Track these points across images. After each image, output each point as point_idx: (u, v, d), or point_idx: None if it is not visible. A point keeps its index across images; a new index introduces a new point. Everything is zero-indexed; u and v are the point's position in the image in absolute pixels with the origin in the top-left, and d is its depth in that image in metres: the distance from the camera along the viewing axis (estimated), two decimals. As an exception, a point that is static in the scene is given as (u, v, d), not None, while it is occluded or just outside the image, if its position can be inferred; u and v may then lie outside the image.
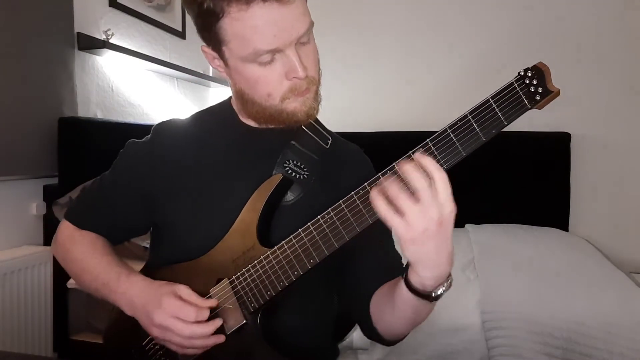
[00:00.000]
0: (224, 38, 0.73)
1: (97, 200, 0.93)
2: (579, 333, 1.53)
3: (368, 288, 0.83)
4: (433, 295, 0.66)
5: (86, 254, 0.88)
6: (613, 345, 1.49)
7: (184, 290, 0.76)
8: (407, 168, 0.60)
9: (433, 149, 0.66)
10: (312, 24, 0.74)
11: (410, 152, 0.67)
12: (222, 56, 0.78)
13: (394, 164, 0.67)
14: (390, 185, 0.60)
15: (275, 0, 0.68)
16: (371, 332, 0.84)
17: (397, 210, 0.60)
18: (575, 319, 1.55)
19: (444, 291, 0.66)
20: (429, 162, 0.60)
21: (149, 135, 0.91)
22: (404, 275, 0.68)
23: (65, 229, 0.93)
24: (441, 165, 0.66)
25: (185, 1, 0.74)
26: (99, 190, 0.93)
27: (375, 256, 0.86)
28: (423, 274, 0.64)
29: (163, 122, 0.92)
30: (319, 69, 0.80)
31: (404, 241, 0.61)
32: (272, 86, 0.75)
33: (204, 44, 0.79)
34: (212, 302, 0.76)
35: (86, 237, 0.90)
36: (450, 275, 0.67)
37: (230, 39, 0.73)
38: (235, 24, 0.70)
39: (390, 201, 0.60)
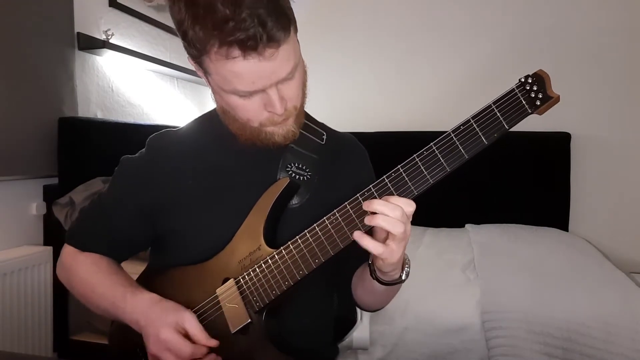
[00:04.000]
0: (207, 69, 0.73)
1: (97, 220, 0.92)
2: (579, 333, 1.53)
3: (348, 269, 0.90)
4: (402, 278, 0.78)
5: (90, 275, 0.87)
6: (613, 345, 1.49)
7: (189, 322, 0.76)
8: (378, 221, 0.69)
9: (437, 152, 0.68)
10: (297, 64, 0.73)
11: (414, 156, 0.69)
12: (206, 77, 0.77)
13: (399, 166, 0.70)
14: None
15: (256, 57, 0.66)
16: (357, 305, 0.95)
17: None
18: (575, 319, 1.55)
19: (409, 270, 0.79)
20: (400, 202, 0.69)
21: (144, 150, 0.91)
22: (373, 276, 0.78)
23: (68, 252, 0.92)
24: (445, 167, 0.68)
25: (174, 20, 0.71)
26: (97, 209, 0.92)
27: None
28: (391, 273, 0.76)
29: (156, 134, 0.92)
30: (305, 91, 0.80)
31: (384, 260, 0.71)
32: (251, 114, 0.75)
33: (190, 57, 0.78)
34: (213, 343, 0.76)
35: (89, 258, 0.89)
36: (406, 256, 0.78)
37: (212, 73, 0.72)
38: (216, 64, 0.69)
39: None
